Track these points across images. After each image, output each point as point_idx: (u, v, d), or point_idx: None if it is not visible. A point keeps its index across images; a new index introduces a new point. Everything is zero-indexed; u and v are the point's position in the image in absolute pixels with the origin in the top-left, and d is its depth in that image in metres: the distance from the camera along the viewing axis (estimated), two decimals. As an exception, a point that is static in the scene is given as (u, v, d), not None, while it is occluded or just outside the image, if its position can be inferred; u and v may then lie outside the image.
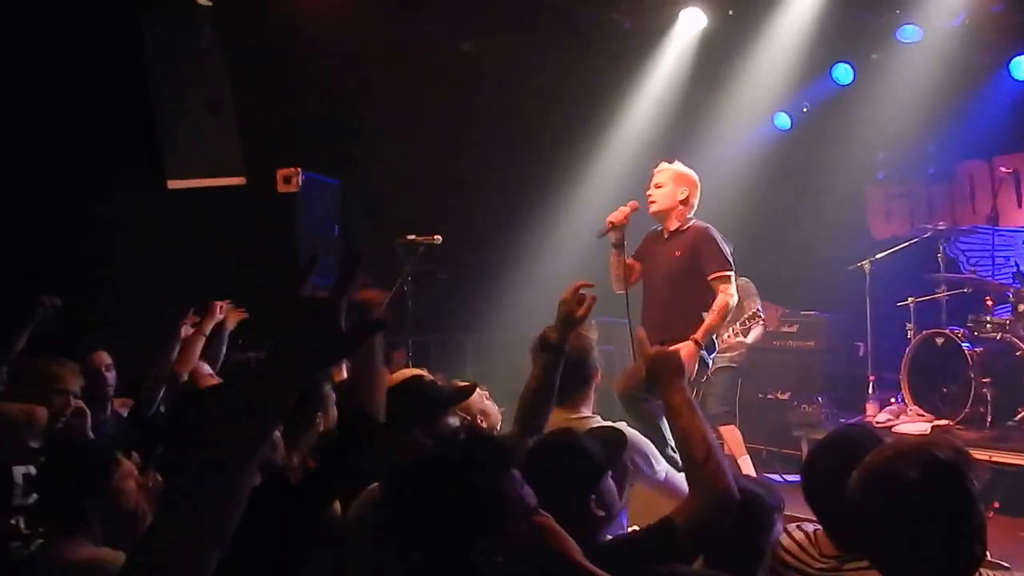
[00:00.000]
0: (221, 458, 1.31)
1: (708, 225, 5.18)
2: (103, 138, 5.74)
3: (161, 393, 4.49)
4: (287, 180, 6.67)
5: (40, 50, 5.65)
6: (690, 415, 2.35)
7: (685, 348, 4.72)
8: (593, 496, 2.37)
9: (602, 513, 2.37)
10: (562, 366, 2.96)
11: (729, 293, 4.99)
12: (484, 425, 3.61)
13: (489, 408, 3.77)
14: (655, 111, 8.28)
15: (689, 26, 7.85)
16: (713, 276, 5.01)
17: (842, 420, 6.87)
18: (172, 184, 5.77)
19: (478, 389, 3.51)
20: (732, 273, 5.06)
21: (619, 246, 5.17)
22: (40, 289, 4.45)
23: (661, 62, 8.16)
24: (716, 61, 8.07)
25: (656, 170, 5.35)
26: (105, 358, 4.74)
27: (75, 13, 5.60)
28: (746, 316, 6.07)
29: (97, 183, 5.86)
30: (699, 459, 2.29)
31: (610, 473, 2.49)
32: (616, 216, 5.11)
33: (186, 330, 4.74)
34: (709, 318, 4.93)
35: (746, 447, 6.45)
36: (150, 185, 5.56)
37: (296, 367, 1.36)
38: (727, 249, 5.11)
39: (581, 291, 2.98)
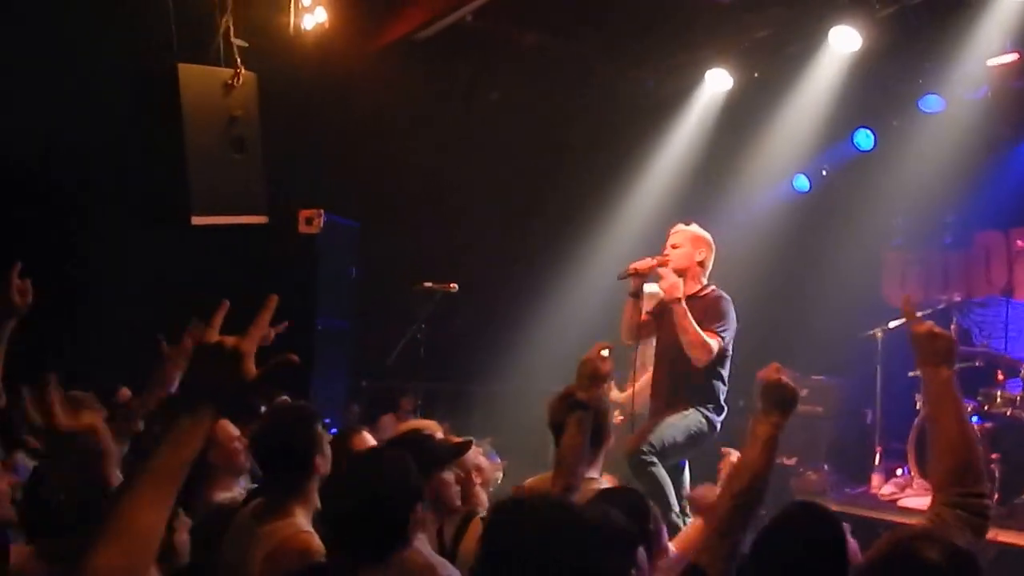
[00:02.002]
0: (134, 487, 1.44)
1: (727, 296, 5.20)
2: (132, 172, 5.86)
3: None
4: (309, 221, 6.78)
5: (78, 89, 5.78)
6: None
7: None
8: None
9: None
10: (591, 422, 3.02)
11: (713, 344, 4.95)
12: (478, 481, 3.63)
13: (483, 463, 3.80)
14: (677, 168, 8.36)
15: (714, 86, 7.94)
16: (708, 330, 4.99)
17: (847, 490, 6.84)
18: (196, 220, 5.87)
19: (474, 444, 3.56)
20: (720, 340, 4.99)
21: (636, 296, 5.22)
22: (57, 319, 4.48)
23: (684, 120, 8.24)
24: (739, 121, 8.15)
25: (672, 231, 5.38)
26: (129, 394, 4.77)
27: (113, 51, 5.73)
28: None
29: (123, 217, 5.96)
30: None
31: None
32: (641, 264, 5.16)
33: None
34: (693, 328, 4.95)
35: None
36: (175, 220, 5.66)
37: (196, 411, 1.49)
38: (733, 323, 5.10)
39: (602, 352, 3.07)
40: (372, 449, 3.10)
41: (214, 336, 1.56)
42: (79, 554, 1.42)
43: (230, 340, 1.53)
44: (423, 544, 2.78)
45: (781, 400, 2.44)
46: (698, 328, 4.94)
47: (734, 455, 3.59)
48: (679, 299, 4.98)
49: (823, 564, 2.31)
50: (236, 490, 3.72)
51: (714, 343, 4.95)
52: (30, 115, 5.68)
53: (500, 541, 1.77)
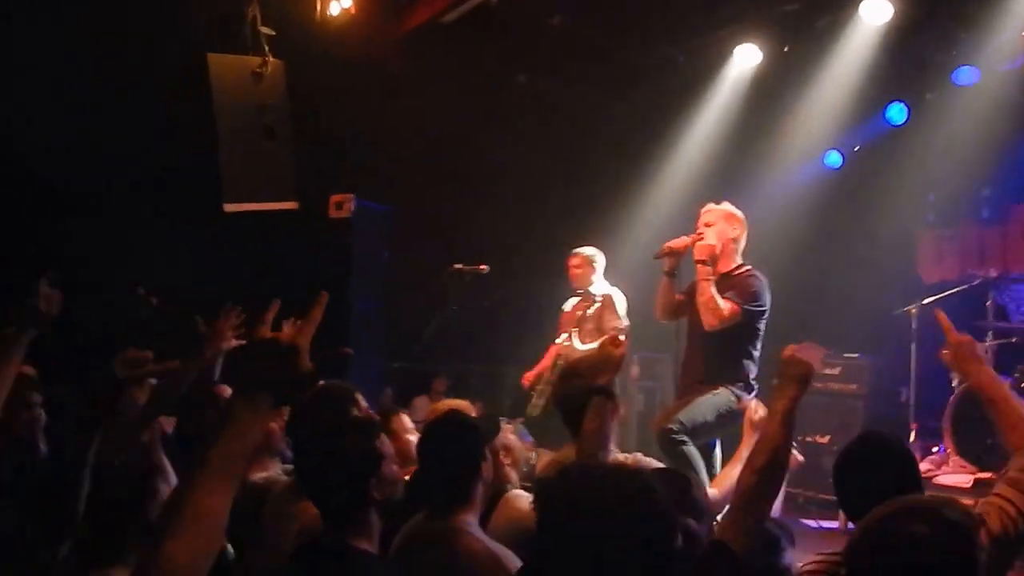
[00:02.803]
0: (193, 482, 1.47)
1: (761, 276, 5.14)
2: (164, 162, 5.94)
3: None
4: (339, 206, 6.84)
5: (108, 81, 5.87)
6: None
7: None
8: None
9: None
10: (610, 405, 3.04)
11: (725, 308, 4.93)
12: (507, 461, 3.65)
13: (513, 443, 3.81)
14: (707, 145, 8.30)
15: (743, 61, 7.86)
16: (726, 298, 4.97)
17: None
18: (228, 207, 5.97)
19: (504, 423, 3.58)
20: (736, 308, 4.96)
21: (671, 275, 5.23)
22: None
23: (714, 97, 8.17)
24: (769, 96, 8.07)
25: (704, 210, 5.36)
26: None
27: (142, 42, 5.81)
28: None
29: (155, 206, 6.05)
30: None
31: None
32: (676, 243, 5.17)
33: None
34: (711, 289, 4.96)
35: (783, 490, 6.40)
36: (207, 208, 5.75)
37: (255, 403, 1.52)
38: (761, 301, 5.06)
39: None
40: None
41: (267, 331, 1.61)
42: (148, 545, 1.45)
43: (285, 335, 1.58)
44: (479, 531, 2.82)
45: (798, 374, 2.49)
46: (715, 292, 4.94)
47: (760, 410, 3.69)
48: (704, 260, 5.01)
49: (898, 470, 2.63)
50: (273, 469, 3.78)
51: (726, 307, 4.93)
52: (57, 108, 5.78)
53: (553, 511, 1.79)
